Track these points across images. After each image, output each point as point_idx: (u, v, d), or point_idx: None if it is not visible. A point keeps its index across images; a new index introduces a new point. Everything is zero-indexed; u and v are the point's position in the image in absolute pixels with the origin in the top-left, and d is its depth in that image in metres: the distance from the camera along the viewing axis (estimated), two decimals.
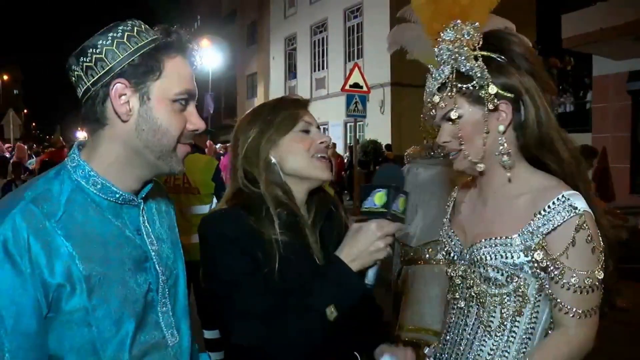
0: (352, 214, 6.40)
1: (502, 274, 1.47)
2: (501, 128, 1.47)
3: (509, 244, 1.46)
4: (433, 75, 1.53)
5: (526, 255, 1.44)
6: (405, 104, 17.86)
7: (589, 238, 1.40)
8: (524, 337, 1.49)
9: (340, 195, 14.12)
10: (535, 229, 1.42)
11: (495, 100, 1.44)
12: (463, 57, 1.44)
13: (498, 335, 1.51)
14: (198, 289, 3.95)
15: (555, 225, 1.40)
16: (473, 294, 1.55)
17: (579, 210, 1.40)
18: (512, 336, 1.49)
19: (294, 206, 1.58)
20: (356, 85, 11.12)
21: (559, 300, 1.42)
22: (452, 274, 1.65)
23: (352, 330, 1.60)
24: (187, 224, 3.87)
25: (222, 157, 11.05)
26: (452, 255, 1.66)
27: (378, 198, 1.46)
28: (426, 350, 1.78)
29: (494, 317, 1.51)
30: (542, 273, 1.43)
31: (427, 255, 3.17)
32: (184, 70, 1.29)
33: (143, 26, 1.27)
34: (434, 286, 2.99)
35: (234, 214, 1.54)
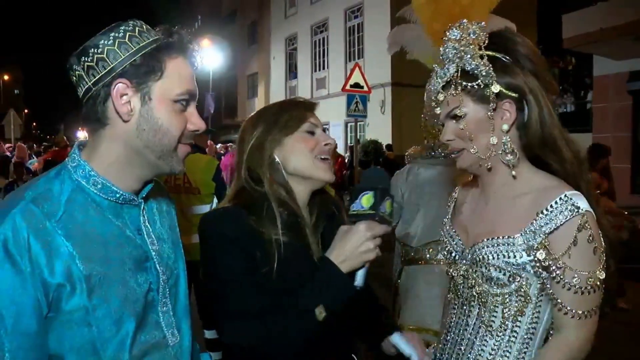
0: None
1: (505, 274, 1.47)
2: (505, 127, 1.47)
3: (511, 244, 1.46)
4: (438, 73, 1.54)
5: (528, 255, 1.44)
6: (406, 104, 17.86)
7: (591, 238, 1.40)
8: (525, 337, 1.49)
9: (340, 195, 14.11)
10: (537, 228, 1.43)
11: (500, 99, 1.45)
12: (469, 56, 1.45)
13: (499, 335, 1.51)
14: (199, 289, 3.95)
15: (557, 225, 1.40)
16: (474, 293, 1.55)
17: (581, 209, 1.40)
18: (513, 336, 1.49)
19: (296, 206, 1.58)
20: (357, 85, 11.09)
21: (559, 300, 1.42)
22: (453, 273, 1.65)
23: (347, 330, 1.61)
24: (187, 224, 3.87)
25: (222, 157, 11.04)
26: (453, 255, 1.66)
27: (366, 200, 1.47)
28: (426, 350, 1.78)
29: (495, 316, 1.51)
30: (544, 273, 1.43)
31: (428, 256, 3.17)
32: (185, 70, 1.29)
33: (144, 26, 1.27)
34: (435, 286, 2.99)
35: (234, 213, 1.55)
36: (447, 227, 1.75)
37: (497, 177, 1.55)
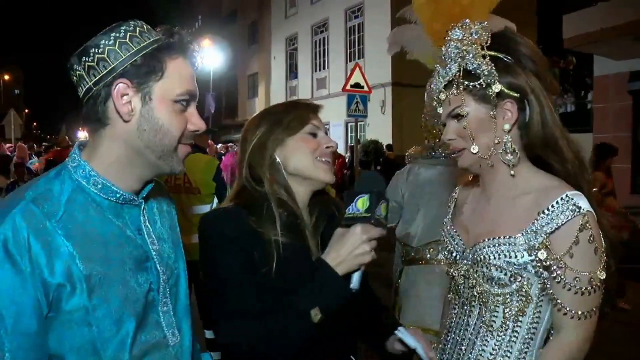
0: None
1: (506, 274, 1.47)
2: (506, 127, 1.48)
3: (512, 244, 1.47)
4: (440, 73, 1.54)
5: (530, 255, 1.44)
6: (406, 104, 17.86)
7: (592, 238, 1.41)
8: (526, 337, 1.49)
9: (340, 195, 14.10)
10: (539, 228, 1.43)
11: (501, 98, 1.46)
12: (471, 55, 1.46)
13: (500, 335, 1.51)
14: (199, 288, 3.95)
15: (559, 225, 1.41)
16: (475, 293, 1.55)
17: (583, 210, 1.41)
18: (514, 336, 1.50)
19: (295, 207, 1.59)
20: (357, 85, 11.09)
21: (559, 301, 1.42)
22: (454, 273, 1.65)
23: (344, 332, 1.61)
24: (188, 224, 3.87)
25: (223, 157, 11.04)
26: (454, 255, 1.66)
27: (361, 203, 1.46)
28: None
29: (496, 316, 1.52)
30: (545, 273, 1.44)
31: (429, 255, 3.17)
32: (186, 71, 1.29)
33: (145, 27, 1.27)
34: (435, 286, 2.99)
35: (234, 213, 1.55)
36: (448, 227, 1.75)
37: (498, 177, 1.55)
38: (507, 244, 1.47)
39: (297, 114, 1.63)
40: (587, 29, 11.31)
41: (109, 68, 1.21)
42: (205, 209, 4.44)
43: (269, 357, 1.46)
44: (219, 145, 17.88)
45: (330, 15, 24.40)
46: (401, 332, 1.57)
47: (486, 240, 1.52)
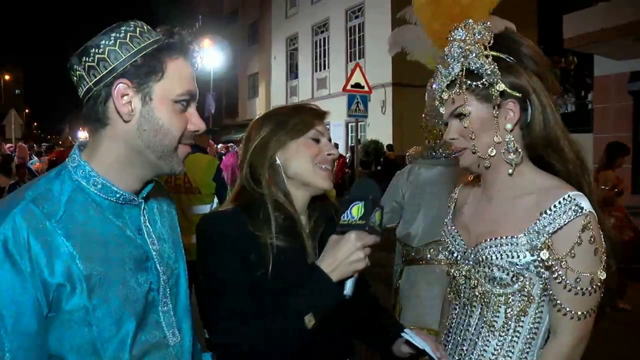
0: None
1: (508, 274, 1.48)
2: (509, 126, 1.48)
3: (514, 244, 1.47)
4: (442, 73, 1.54)
5: (532, 255, 1.44)
6: (407, 104, 17.87)
7: (592, 239, 1.41)
8: (528, 336, 1.49)
9: (341, 195, 14.11)
10: (541, 228, 1.43)
11: (504, 98, 1.46)
12: (474, 55, 1.46)
13: (502, 335, 1.51)
14: (199, 289, 3.95)
15: (561, 225, 1.41)
16: (477, 293, 1.55)
17: (585, 210, 1.41)
18: (516, 336, 1.50)
19: (293, 210, 1.58)
20: (357, 85, 11.11)
21: (559, 301, 1.43)
22: (455, 274, 1.65)
23: (339, 337, 1.60)
24: (188, 224, 3.87)
25: (223, 157, 11.03)
26: (455, 255, 1.66)
27: (356, 211, 1.46)
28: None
29: (498, 316, 1.52)
30: (546, 273, 1.44)
31: (429, 256, 3.17)
32: (186, 71, 1.29)
33: (145, 27, 1.27)
34: (435, 286, 2.99)
35: (231, 216, 1.56)
36: (449, 228, 1.75)
37: (499, 177, 1.55)
38: (510, 244, 1.47)
39: (302, 118, 1.63)
40: (588, 29, 11.32)
41: (109, 68, 1.21)
42: (206, 209, 4.44)
43: (268, 357, 1.46)
44: (220, 145, 17.87)
45: (330, 15, 24.41)
46: (408, 334, 1.57)
47: (488, 240, 1.52)
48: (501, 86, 1.45)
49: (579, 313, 1.42)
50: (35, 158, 14.40)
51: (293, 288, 1.46)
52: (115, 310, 1.20)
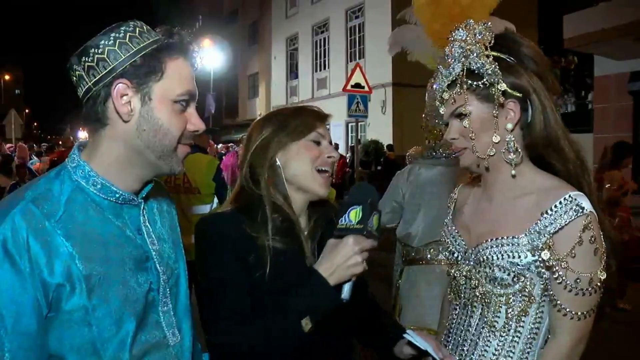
0: None
1: (509, 274, 1.48)
2: (509, 126, 1.48)
3: (516, 244, 1.47)
4: (443, 73, 1.54)
5: (533, 255, 1.44)
6: (407, 104, 17.87)
7: (593, 239, 1.41)
8: (529, 336, 1.50)
9: (341, 196, 14.12)
10: (542, 228, 1.43)
11: (504, 98, 1.46)
12: (475, 55, 1.46)
13: (503, 335, 1.51)
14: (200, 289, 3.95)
15: (562, 225, 1.41)
16: (478, 294, 1.55)
17: (586, 210, 1.41)
18: (517, 336, 1.50)
19: (291, 212, 1.58)
20: (358, 85, 11.11)
21: (559, 302, 1.43)
22: (455, 274, 1.65)
23: (337, 340, 1.60)
24: (188, 224, 3.87)
25: (223, 157, 11.03)
26: (455, 255, 1.66)
27: (353, 215, 1.47)
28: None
29: (499, 317, 1.52)
30: (547, 273, 1.44)
31: (429, 256, 3.17)
32: (185, 71, 1.29)
33: (145, 27, 1.27)
34: (436, 286, 2.99)
35: (229, 217, 1.56)
36: (449, 228, 1.75)
37: (500, 177, 1.56)
38: (511, 245, 1.48)
39: (303, 120, 1.63)
40: (588, 29, 11.30)
41: (109, 68, 1.21)
42: (206, 209, 4.44)
43: (267, 357, 1.46)
44: (220, 145, 17.88)
45: (330, 16, 24.41)
46: (410, 335, 1.57)
47: (489, 240, 1.52)
48: (503, 86, 1.45)
49: (579, 313, 1.42)
50: (35, 158, 14.40)
51: (291, 289, 1.46)
52: (115, 310, 1.20)
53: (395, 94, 19.94)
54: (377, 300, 1.90)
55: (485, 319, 1.54)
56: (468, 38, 1.48)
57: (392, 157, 16.28)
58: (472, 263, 1.58)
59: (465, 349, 1.59)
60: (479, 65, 1.46)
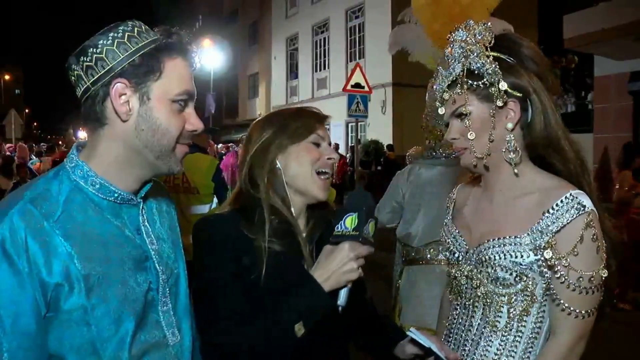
0: None
1: (511, 274, 1.48)
2: (509, 126, 1.48)
3: (518, 243, 1.47)
4: (443, 73, 1.55)
5: (535, 254, 1.45)
6: (407, 104, 17.87)
7: (595, 237, 1.42)
8: (530, 336, 1.50)
9: (341, 196, 14.14)
10: (544, 227, 1.43)
11: (505, 97, 1.46)
12: (475, 55, 1.47)
13: (505, 334, 1.51)
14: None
15: (564, 223, 1.41)
16: (479, 294, 1.55)
17: (587, 208, 1.42)
18: (519, 336, 1.50)
19: (289, 215, 1.58)
20: (358, 85, 11.11)
21: (562, 300, 1.43)
22: (456, 274, 1.65)
23: (333, 344, 1.60)
24: (187, 224, 3.86)
25: (223, 157, 11.04)
26: (456, 255, 1.66)
27: (349, 222, 1.48)
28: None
29: (500, 316, 1.52)
30: (549, 272, 1.44)
31: (429, 256, 3.17)
32: (184, 71, 1.29)
33: (143, 27, 1.27)
34: (436, 286, 2.99)
35: (228, 218, 1.56)
36: (449, 228, 1.74)
37: (501, 177, 1.56)
38: (513, 244, 1.48)
39: (304, 122, 1.62)
40: (588, 29, 11.31)
41: (107, 68, 1.21)
42: (205, 209, 4.43)
43: (265, 358, 1.46)
44: (220, 145, 17.89)
45: (330, 16, 24.42)
46: (414, 333, 1.57)
47: (491, 240, 1.52)
48: (503, 85, 1.45)
49: (583, 312, 1.42)
50: (35, 158, 14.40)
51: (291, 289, 1.46)
52: (114, 309, 1.20)
53: (395, 94, 19.95)
54: (376, 301, 1.90)
55: (487, 319, 1.54)
56: (468, 38, 1.49)
57: (392, 157, 16.28)
58: (473, 263, 1.58)
59: (466, 348, 1.59)
60: (479, 65, 1.47)
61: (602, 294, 1.45)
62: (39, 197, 1.17)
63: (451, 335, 1.67)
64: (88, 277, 1.16)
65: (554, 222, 1.42)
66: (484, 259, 1.53)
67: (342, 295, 1.48)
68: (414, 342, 1.59)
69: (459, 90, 1.50)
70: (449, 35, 1.55)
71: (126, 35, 1.22)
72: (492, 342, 1.53)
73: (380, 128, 19.86)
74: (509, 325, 1.51)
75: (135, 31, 1.24)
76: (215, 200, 4.56)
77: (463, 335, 1.62)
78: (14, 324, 1.10)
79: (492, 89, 1.46)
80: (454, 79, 1.51)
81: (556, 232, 1.42)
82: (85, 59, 1.21)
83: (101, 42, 1.21)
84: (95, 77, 1.21)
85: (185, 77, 1.29)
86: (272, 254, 1.50)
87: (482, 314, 1.56)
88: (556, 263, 1.41)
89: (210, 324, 1.47)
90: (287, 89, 28.53)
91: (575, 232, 1.41)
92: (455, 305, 1.68)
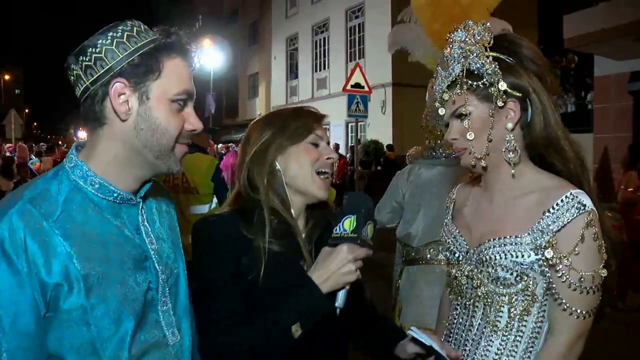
0: None
1: (512, 274, 1.48)
2: (509, 125, 1.49)
3: (518, 243, 1.47)
4: (442, 74, 1.55)
5: (536, 254, 1.45)
6: (407, 104, 17.87)
7: (595, 236, 1.42)
8: (531, 335, 1.50)
9: (341, 196, 14.14)
10: (545, 227, 1.44)
11: (504, 97, 1.46)
12: (474, 55, 1.47)
13: (505, 334, 1.52)
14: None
15: (564, 223, 1.42)
16: (480, 294, 1.55)
17: (587, 207, 1.42)
18: (519, 335, 1.50)
19: (289, 216, 1.58)
20: (357, 85, 11.11)
21: (563, 300, 1.43)
22: (456, 274, 1.65)
23: (331, 345, 1.60)
24: (186, 224, 3.86)
25: (223, 157, 11.03)
26: (457, 255, 1.66)
27: (348, 224, 1.48)
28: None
29: (501, 316, 1.52)
30: (550, 271, 1.44)
31: (429, 256, 3.17)
32: (183, 70, 1.29)
33: (142, 26, 1.27)
34: (436, 286, 2.98)
35: (227, 218, 1.56)
36: (449, 228, 1.74)
37: (501, 177, 1.56)
38: (514, 244, 1.48)
39: (302, 122, 1.62)
40: (588, 29, 11.30)
41: (106, 67, 1.21)
42: (204, 209, 4.43)
43: (265, 358, 1.46)
44: (220, 145, 17.88)
45: (330, 15, 24.41)
46: (415, 332, 1.57)
47: (491, 240, 1.52)
48: (503, 85, 1.46)
49: (584, 312, 1.43)
50: (35, 158, 14.40)
51: (291, 289, 1.46)
52: (114, 309, 1.20)
53: (395, 94, 19.94)
54: (376, 301, 1.90)
55: (488, 319, 1.54)
56: (467, 39, 1.49)
57: (392, 157, 16.27)
58: (474, 263, 1.58)
59: (467, 348, 1.59)
60: (478, 65, 1.47)
61: (602, 294, 1.45)
62: (38, 197, 1.17)
63: (451, 335, 1.67)
64: (87, 277, 1.16)
65: (554, 222, 1.42)
66: (484, 258, 1.53)
67: (340, 297, 1.48)
68: (414, 340, 1.59)
69: (459, 91, 1.51)
70: (448, 36, 1.55)
71: (125, 35, 1.22)
72: (493, 342, 1.53)
73: (380, 128, 19.86)
74: (509, 325, 1.51)
75: (135, 31, 1.24)
76: (215, 200, 4.55)
77: (463, 335, 1.62)
78: (13, 324, 1.10)
79: (492, 89, 1.46)
80: (454, 79, 1.52)
81: (557, 232, 1.42)
82: (84, 58, 1.21)
83: (100, 41, 1.21)
84: (95, 77, 1.21)
85: (184, 76, 1.29)
86: (271, 254, 1.50)
87: (483, 313, 1.56)
88: (557, 262, 1.41)
89: (210, 324, 1.47)
90: (287, 89, 28.52)
91: (576, 232, 1.41)
92: (456, 305, 1.68)
